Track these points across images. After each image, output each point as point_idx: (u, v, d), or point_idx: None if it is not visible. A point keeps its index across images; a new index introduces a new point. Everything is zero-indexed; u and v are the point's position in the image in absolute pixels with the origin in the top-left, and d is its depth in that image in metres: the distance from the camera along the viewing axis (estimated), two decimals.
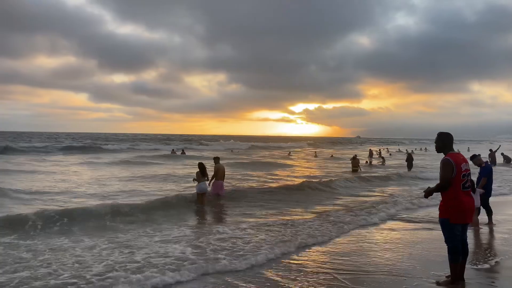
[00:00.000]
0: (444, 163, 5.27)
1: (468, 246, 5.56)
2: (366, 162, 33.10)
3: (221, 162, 13.62)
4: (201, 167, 12.45)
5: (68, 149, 45.65)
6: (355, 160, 26.25)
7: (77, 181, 17.82)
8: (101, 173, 21.31)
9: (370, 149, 46.97)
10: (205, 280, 5.79)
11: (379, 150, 47.96)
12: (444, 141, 5.47)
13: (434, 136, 5.58)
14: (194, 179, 12.57)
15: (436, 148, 5.58)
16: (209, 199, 12.58)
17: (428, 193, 5.48)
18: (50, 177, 19.02)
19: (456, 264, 5.34)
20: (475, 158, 10.05)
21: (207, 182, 12.58)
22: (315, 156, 44.87)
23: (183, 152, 42.26)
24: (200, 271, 6.03)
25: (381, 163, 33.01)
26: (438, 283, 5.52)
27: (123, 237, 8.03)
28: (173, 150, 44.32)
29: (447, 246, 5.36)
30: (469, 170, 5.40)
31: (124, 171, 23.05)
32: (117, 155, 38.62)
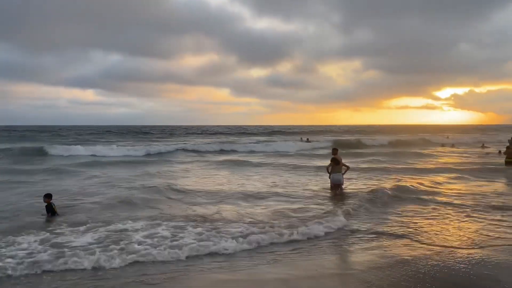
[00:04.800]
0: None
1: None
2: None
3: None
4: (333, 158, 12.89)
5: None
6: (510, 149, 21.26)
7: None
8: None
9: None
10: None
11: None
12: None
13: None
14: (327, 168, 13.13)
15: None
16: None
17: None
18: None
19: None
20: None
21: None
22: None
23: (308, 140, 45.68)
24: None
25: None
26: None
27: None
28: (301, 138, 50.32)
29: None
30: None
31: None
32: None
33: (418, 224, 9.00)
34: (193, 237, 7.82)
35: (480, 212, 10.07)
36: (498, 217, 9.51)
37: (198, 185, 14.61)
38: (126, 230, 8.36)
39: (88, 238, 7.78)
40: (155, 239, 7.68)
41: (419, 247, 7.26)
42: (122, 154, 29.59)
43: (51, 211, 9.71)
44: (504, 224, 8.92)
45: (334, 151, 13.67)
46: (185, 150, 33.34)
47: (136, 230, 8.30)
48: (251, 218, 9.39)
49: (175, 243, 7.48)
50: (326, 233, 8.24)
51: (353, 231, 8.40)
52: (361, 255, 6.95)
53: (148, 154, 30.12)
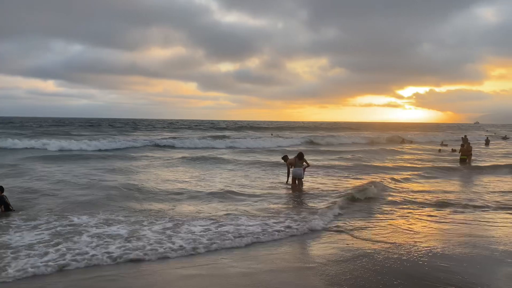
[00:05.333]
0: None
1: None
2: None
3: None
4: (298, 154, 13.40)
5: None
6: (463, 147, 22.09)
7: None
8: None
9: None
10: None
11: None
12: None
13: None
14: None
15: None
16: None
17: None
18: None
19: None
20: None
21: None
22: None
23: (277, 136, 46.92)
24: None
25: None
26: None
27: None
28: (271, 134, 50.45)
29: None
30: None
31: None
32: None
33: (377, 220, 9.32)
34: (153, 235, 7.70)
35: (433, 209, 10.54)
36: (448, 213, 10.03)
37: (159, 182, 14.35)
38: (80, 225, 8.18)
39: (39, 235, 7.51)
40: (112, 237, 7.51)
41: (377, 241, 7.49)
42: (82, 148, 28.46)
43: (3, 204, 9.29)
44: (455, 219, 9.40)
45: (285, 157, 14.07)
46: (149, 145, 32.30)
47: (92, 227, 8.09)
48: (213, 215, 9.36)
49: (133, 241, 7.37)
50: (289, 229, 8.32)
51: (316, 227, 8.53)
52: (323, 249, 7.09)
53: (109, 149, 28.89)
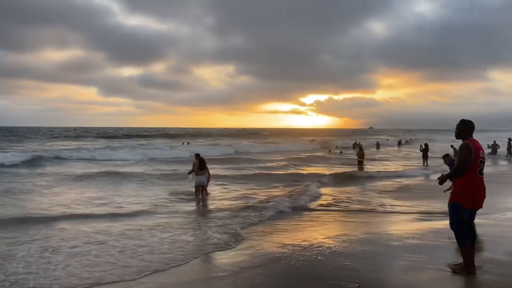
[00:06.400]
0: (463, 147, 5.31)
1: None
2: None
3: None
4: (198, 161, 13.15)
5: None
6: (361, 151, 24.95)
7: None
8: None
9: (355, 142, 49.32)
10: None
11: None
12: (466, 128, 5.49)
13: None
14: (189, 172, 13.62)
15: (456, 133, 5.61)
16: None
17: (443, 179, 5.45)
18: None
19: (466, 248, 5.44)
20: (446, 157, 10.65)
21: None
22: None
23: (188, 144, 47.59)
24: None
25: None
26: (454, 272, 5.64)
27: None
28: (183, 143, 49.43)
29: (453, 231, 5.49)
30: (485, 158, 5.48)
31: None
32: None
33: (287, 224, 9.74)
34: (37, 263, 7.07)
35: (336, 211, 11.33)
36: (349, 214, 10.90)
37: (47, 203, 12.51)
38: None
39: None
40: None
41: (286, 245, 7.72)
42: None
43: None
44: (356, 220, 10.23)
45: (197, 156, 13.92)
46: (41, 158, 27.25)
47: None
48: (109, 232, 8.90)
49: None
50: (198, 240, 8.23)
51: (223, 236, 8.55)
52: (234, 257, 7.10)
53: None
